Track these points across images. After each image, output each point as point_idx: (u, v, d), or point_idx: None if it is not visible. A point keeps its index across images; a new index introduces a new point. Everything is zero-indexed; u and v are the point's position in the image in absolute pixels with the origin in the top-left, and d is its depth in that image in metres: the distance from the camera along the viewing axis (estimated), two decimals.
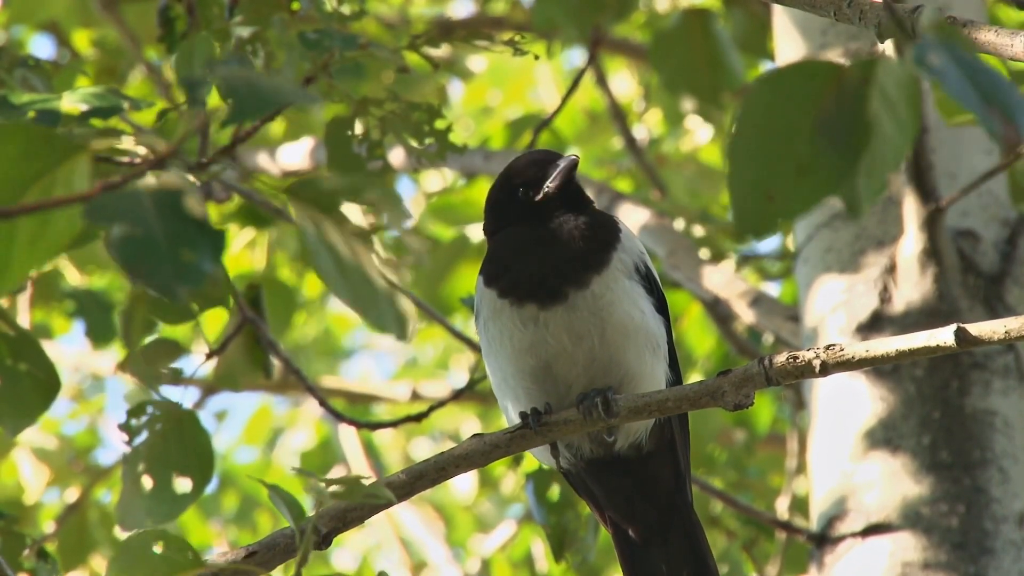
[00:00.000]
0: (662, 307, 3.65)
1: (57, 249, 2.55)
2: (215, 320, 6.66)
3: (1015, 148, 2.29)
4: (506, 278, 3.57)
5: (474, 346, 4.78)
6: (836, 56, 5.12)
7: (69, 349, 7.97)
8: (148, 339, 4.11)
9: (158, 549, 3.04)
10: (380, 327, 2.64)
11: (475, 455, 3.38)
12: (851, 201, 2.34)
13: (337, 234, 2.62)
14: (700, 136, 7.31)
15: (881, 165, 2.34)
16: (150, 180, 2.49)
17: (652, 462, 3.68)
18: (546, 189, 3.65)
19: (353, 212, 2.67)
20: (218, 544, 8.45)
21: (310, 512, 3.16)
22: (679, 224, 6.17)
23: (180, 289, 2.35)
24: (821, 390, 4.84)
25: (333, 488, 3.03)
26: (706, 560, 3.71)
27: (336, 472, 8.52)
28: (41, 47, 13.00)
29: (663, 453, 3.69)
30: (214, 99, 2.71)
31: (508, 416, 3.61)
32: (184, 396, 4.24)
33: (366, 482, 3.04)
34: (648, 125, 7.48)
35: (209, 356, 4.32)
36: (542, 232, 3.61)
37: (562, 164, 3.67)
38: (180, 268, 2.36)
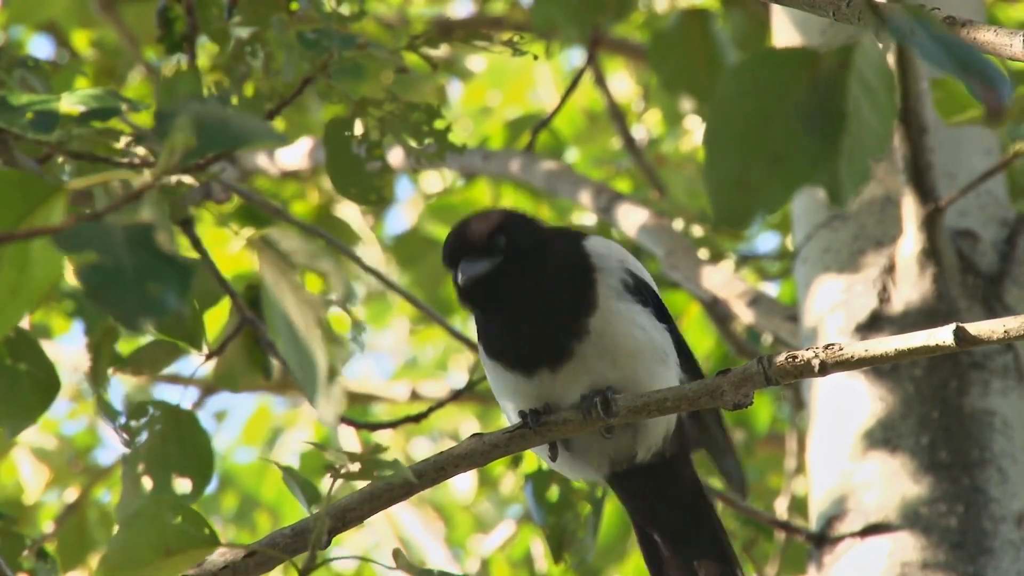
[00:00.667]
0: (660, 307, 3.64)
1: (38, 297, 2.55)
2: (214, 320, 6.66)
3: (998, 113, 2.29)
4: (509, 356, 3.54)
5: (474, 347, 4.78)
6: None
7: (68, 349, 7.97)
8: (138, 347, 4.11)
9: (175, 520, 3.00)
10: (314, 404, 2.63)
11: (474, 455, 3.39)
12: (833, 189, 2.33)
13: (292, 298, 2.61)
14: (699, 136, 7.31)
15: (863, 151, 2.33)
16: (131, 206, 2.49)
17: (675, 464, 3.66)
18: (460, 284, 3.52)
19: (353, 217, 2.67)
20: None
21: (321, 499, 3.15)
22: (678, 224, 6.17)
23: (142, 320, 2.35)
24: (820, 390, 4.84)
25: (350, 468, 3.01)
26: (730, 560, 3.70)
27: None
28: (40, 47, 13.00)
29: (684, 454, 3.68)
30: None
31: (509, 417, 3.61)
32: (183, 396, 4.25)
33: (383, 458, 3.02)
34: (647, 125, 7.49)
35: (208, 357, 4.32)
36: (520, 311, 3.53)
37: (459, 277, 3.51)
38: (145, 300, 2.35)
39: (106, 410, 3.95)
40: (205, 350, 4.22)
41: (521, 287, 3.52)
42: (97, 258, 2.35)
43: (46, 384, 3.85)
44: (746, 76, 2.33)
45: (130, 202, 2.43)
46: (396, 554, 3.12)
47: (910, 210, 4.74)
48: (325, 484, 3.07)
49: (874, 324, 4.78)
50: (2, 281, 2.54)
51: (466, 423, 8.88)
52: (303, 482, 3.10)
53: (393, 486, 3.29)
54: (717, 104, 2.32)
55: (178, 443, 3.95)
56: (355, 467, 3.00)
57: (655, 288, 3.66)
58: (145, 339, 4.13)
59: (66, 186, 2.47)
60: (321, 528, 3.12)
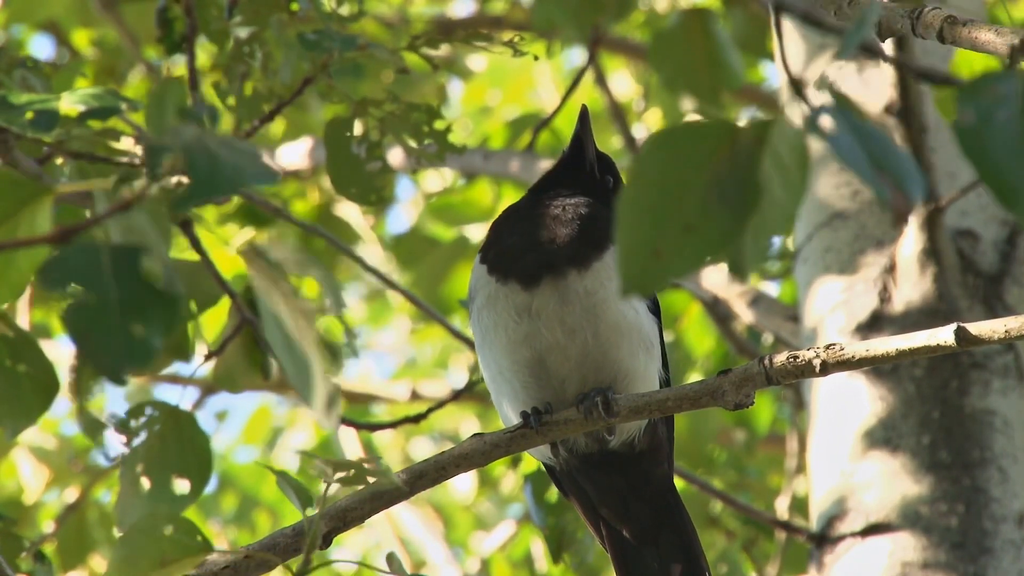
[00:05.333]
0: (655, 308, 3.64)
1: (20, 288, 2.55)
2: (214, 320, 6.65)
3: (904, 215, 2.30)
4: (494, 250, 3.58)
5: (473, 346, 4.77)
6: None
7: (68, 349, 7.96)
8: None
9: (168, 531, 3.03)
10: (312, 407, 2.63)
11: (475, 455, 3.39)
12: (736, 262, 2.35)
13: (284, 306, 2.61)
14: None
15: (768, 228, 2.34)
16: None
17: (645, 461, 3.68)
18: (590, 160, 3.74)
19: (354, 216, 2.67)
20: (217, 544, 8.44)
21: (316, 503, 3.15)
22: None
23: (125, 369, 2.34)
24: (820, 390, 4.84)
25: (340, 474, 3.02)
26: (698, 559, 3.70)
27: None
28: (40, 47, 12.99)
29: (656, 452, 3.69)
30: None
31: (502, 411, 3.61)
32: (183, 397, 4.25)
33: (371, 467, 3.03)
34: (648, 124, 7.48)
35: (208, 357, 4.32)
36: (544, 212, 3.60)
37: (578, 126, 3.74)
38: (129, 344, 2.34)
39: (88, 423, 3.95)
40: (205, 350, 4.22)
41: (581, 194, 3.65)
42: (81, 292, 2.34)
43: (46, 384, 3.84)
44: (666, 145, 2.36)
45: (122, 210, 2.42)
46: (390, 559, 3.12)
47: None
48: (322, 487, 3.08)
49: (875, 324, 4.78)
50: None
51: (466, 423, 8.88)
52: (297, 486, 3.10)
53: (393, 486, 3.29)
54: (634, 171, 2.36)
55: (177, 443, 3.94)
56: (346, 474, 3.02)
57: (655, 295, 3.66)
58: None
59: (55, 189, 2.46)
60: (316, 533, 3.12)
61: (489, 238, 3.64)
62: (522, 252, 3.55)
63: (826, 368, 3.24)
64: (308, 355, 2.57)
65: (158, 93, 2.82)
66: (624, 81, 7.83)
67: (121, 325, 2.34)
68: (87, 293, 2.35)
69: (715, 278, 5.30)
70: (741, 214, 2.33)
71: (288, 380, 2.62)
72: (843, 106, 2.35)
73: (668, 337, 6.70)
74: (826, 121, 2.32)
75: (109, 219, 2.41)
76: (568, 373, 3.52)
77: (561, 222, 3.59)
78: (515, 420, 3.53)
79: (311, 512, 3.12)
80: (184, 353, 3.96)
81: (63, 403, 7.97)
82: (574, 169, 3.73)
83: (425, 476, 3.35)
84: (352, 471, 3.01)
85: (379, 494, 3.29)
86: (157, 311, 2.37)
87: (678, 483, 3.78)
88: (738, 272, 2.33)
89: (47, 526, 6.96)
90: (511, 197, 7.05)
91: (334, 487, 3.06)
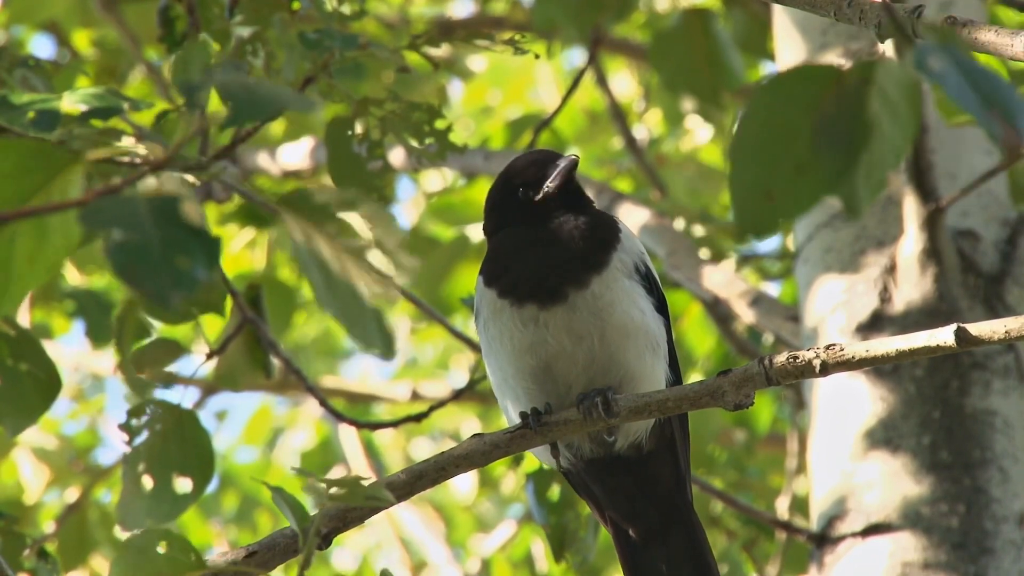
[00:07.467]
0: (662, 307, 3.64)
1: (55, 266, 2.56)
2: (215, 320, 6.66)
3: (1015, 150, 2.31)
4: (506, 278, 3.56)
5: (474, 346, 4.77)
6: (836, 56, 5.12)
7: (69, 349, 7.97)
8: (142, 343, 4.11)
9: (161, 549, 3.04)
10: (365, 343, 2.64)
11: (475, 455, 3.38)
12: (850, 200, 2.36)
13: (328, 248, 2.62)
14: (700, 136, 7.31)
15: (880, 164, 2.37)
16: (150, 183, 2.49)
17: (652, 462, 3.67)
18: (546, 189, 3.64)
19: (355, 221, 2.67)
20: (218, 544, 8.45)
21: (312, 513, 3.16)
22: (679, 224, 6.17)
23: (174, 296, 2.36)
24: (821, 390, 4.84)
25: (333, 490, 3.03)
26: (706, 560, 3.70)
27: (336, 473, 8.52)
28: (41, 47, 13.00)
29: (663, 453, 3.68)
30: (214, 103, 2.71)
31: (508, 416, 3.60)
32: (184, 396, 4.25)
33: (366, 483, 3.04)
34: (648, 125, 7.49)
35: (209, 356, 4.32)
36: (541, 232, 3.60)
37: (562, 164, 3.66)
38: (175, 275, 2.36)
39: (134, 382, 3.96)
40: (206, 349, 4.22)
41: (565, 211, 3.63)
42: (123, 235, 2.35)
43: (47, 384, 3.85)
44: (774, 90, 2.39)
45: (149, 174, 2.43)
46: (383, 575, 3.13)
47: (911, 210, 4.73)
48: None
49: (875, 324, 4.78)
50: (20, 249, 2.55)
51: (467, 423, 8.88)
52: (292, 502, 3.11)
53: (394, 485, 3.29)
54: (745, 117, 2.39)
55: (179, 442, 3.95)
56: (339, 492, 3.03)
57: (661, 289, 3.66)
58: (151, 337, 4.13)
59: (84, 156, 2.47)
60: (311, 548, 3.13)
61: (494, 267, 3.61)
62: (540, 278, 3.54)
63: (826, 368, 3.24)
64: (357, 292, 2.58)
65: (184, 54, 2.83)
66: (625, 81, 7.83)
67: (165, 260, 2.37)
68: (129, 235, 2.36)
69: (716, 278, 5.30)
70: (851, 152, 2.36)
71: (337, 321, 2.63)
72: (949, 42, 2.37)
73: None
74: (934, 60, 2.33)
75: (139, 181, 2.43)
76: (575, 378, 3.52)
77: (564, 234, 3.58)
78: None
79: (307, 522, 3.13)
80: (219, 307, 3.96)
81: (64, 403, 7.98)
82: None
83: (425, 476, 3.35)
84: (346, 489, 3.02)
85: None
86: (198, 247, 2.39)
87: None
88: (853, 210, 2.36)
89: (48, 526, 6.96)
90: None
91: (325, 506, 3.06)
